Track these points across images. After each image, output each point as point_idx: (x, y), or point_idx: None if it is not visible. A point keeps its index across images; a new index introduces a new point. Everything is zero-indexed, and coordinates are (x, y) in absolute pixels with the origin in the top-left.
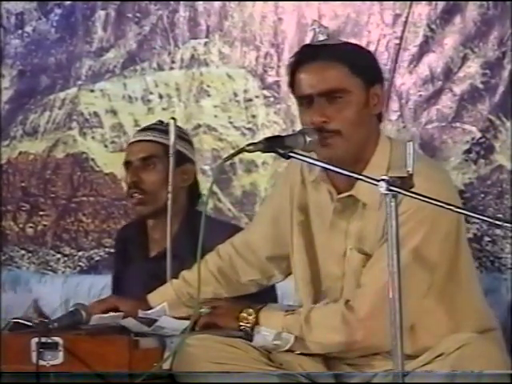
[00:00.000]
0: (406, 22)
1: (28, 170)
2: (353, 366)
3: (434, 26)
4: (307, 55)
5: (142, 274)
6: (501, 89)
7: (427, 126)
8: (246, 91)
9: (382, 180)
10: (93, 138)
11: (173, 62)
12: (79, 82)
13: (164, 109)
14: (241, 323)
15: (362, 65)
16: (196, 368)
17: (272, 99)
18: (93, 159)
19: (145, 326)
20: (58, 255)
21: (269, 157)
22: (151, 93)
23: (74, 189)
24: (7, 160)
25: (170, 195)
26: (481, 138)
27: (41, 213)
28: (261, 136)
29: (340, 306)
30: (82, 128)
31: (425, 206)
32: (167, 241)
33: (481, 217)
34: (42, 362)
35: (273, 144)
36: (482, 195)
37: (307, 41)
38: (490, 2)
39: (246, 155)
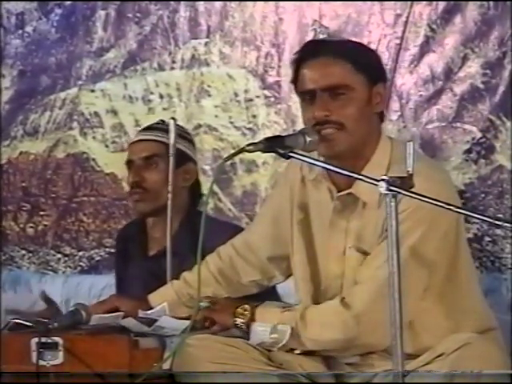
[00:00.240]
0: (406, 22)
1: (29, 169)
2: (353, 366)
3: (434, 26)
4: (311, 51)
5: (141, 272)
6: (501, 89)
7: (428, 125)
8: (246, 91)
9: (382, 180)
10: (93, 138)
11: (173, 61)
12: (80, 82)
13: (165, 109)
14: (236, 319)
15: (366, 62)
16: (196, 368)
17: (273, 99)
18: (93, 159)
19: (145, 325)
20: (59, 255)
21: (269, 157)
22: (152, 93)
23: (74, 189)
24: (8, 160)
25: (169, 194)
26: (481, 137)
27: (41, 213)
28: (261, 136)
29: (336, 303)
30: (83, 128)
31: (424, 205)
32: (167, 240)
33: (481, 217)
34: (42, 362)
35: (273, 144)
36: (483, 195)
37: None
38: (491, 2)
39: (246, 155)
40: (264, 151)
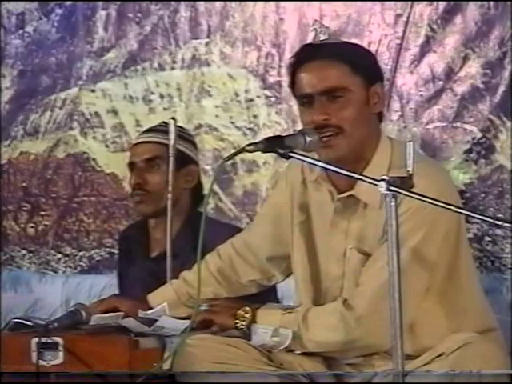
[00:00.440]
0: (407, 22)
1: (29, 169)
2: (353, 366)
3: (435, 26)
4: (307, 54)
5: (143, 273)
6: (501, 89)
7: (428, 125)
8: (247, 91)
9: (382, 180)
10: (94, 138)
11: (174, 62)
12: (80, 82)
13: (165, 109)
14: (237, 321)
15: (362, 64)
16: (196, 368)
17: (273, 99)
18: (94, 159)
19: (145, 325)
20: (59, 255)
21: (270, 157)
22: (152, 93)
23: (75, 189)
24: (8, 160)
25: (169, 195)
26: (481, 137)
27: (42, 213)
28: (262, 136)
29: (338, 305)
30: (83, 128)
31: (425, 205)
32: (167, 241)
33: (481, 217)
34: (42, 362)
35: (273, 144)
36: (483, 195)
37: (308, 41)
38: (491, 2)
39: (247, 155)
40: (264, 151)
